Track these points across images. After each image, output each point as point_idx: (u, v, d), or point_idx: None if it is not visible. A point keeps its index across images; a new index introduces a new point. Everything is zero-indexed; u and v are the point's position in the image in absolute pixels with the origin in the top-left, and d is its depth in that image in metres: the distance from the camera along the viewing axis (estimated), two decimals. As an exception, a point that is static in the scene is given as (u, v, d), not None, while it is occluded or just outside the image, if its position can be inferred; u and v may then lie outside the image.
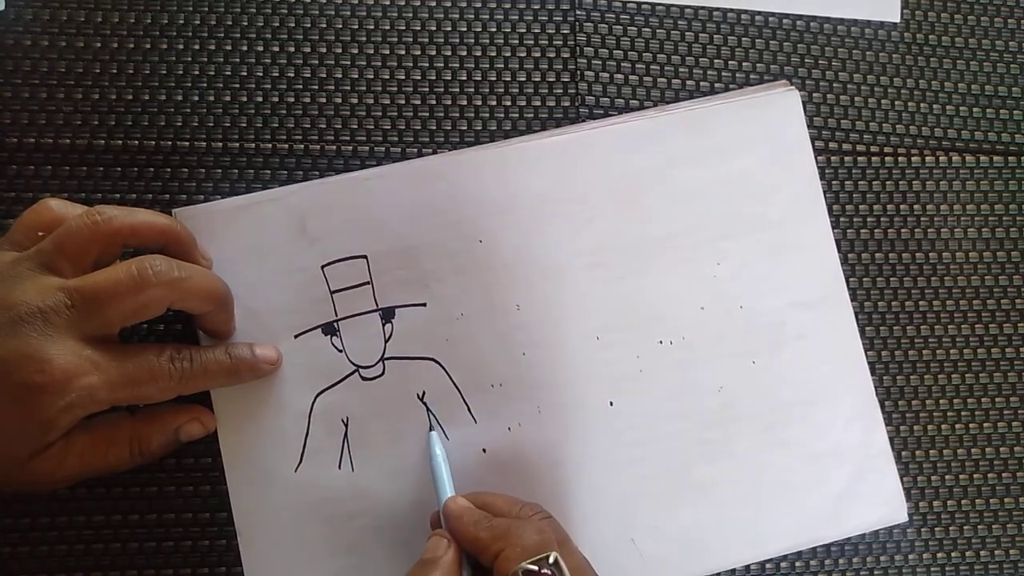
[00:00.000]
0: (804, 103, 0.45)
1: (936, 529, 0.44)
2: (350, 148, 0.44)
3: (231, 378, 0.39)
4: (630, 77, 0.45)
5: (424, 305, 0.42)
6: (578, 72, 0.45)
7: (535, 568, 0.33)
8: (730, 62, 0.46)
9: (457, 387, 0.41)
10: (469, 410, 0.41)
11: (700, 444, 0.42)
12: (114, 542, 0.40)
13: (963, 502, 0.44)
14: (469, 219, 0.42)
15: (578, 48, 0.45)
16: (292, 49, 0.44)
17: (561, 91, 0.45)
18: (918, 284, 0.46)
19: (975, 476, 0.45)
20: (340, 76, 0.44)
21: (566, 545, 0.36)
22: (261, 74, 0.44)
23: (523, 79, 0.45)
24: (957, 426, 0.45)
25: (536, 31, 0.45)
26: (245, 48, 0.44)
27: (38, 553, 0.40)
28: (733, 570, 0.42)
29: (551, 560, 0.34)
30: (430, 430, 0.41)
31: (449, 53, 0.45)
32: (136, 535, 0.40)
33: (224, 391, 0.40)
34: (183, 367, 0.36)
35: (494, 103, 0.45)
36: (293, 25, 0.44)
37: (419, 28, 0.45)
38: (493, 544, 0.35)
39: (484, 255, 0.42)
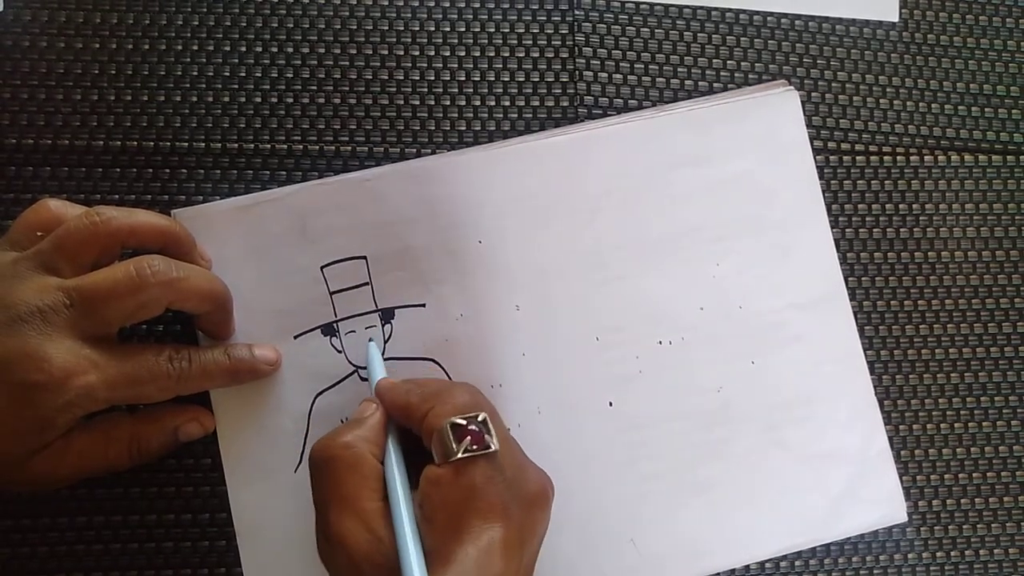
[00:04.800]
0: (803, 103, 0.45)
1: (935, 528, 0.44)
2: (349, 148, 0.44)
3: (230, 379, 0.39)
4: (628, 77, 0.45)
5: (423, 306, 0.42)
6: (576, 72, 0.45)
7: (463, 423, 0.33)
8: (728, 62, 0.46)
9: (456, 387, 0.41)
10: (468, 410, 0.41)
11: (700, 444, 0.42)
12: (114, 543, 0.40)
13: (962, 501, 0.44)
14: (468, 220, 0.42)
15: (576, 48, 0.45)
16: (291, 49, 0.44)
17: (560, 91, 0.45)
18: (917, 284, 0.46)
19: (974, 475, 0.45)
20: (339, 76, 0.44)
21: (496, 417, 0.35)
22: (260, 74, 0.44)
23: (522, 79, 0.45)
24: (956, 425, 0.45)
25: (535, 31, 0.45)
26: (244, 48, 0.44)
27: (38, 554, 0.40)
28: (733, 570, 0.42)
29: (480, 418, 0.34)
30: (369, 340, 0.41)
31: (448, 53, 0.45)
32: (136, 536, 0.40)
33: (223, 392, 0.40)
34: (182, 367, 0.36)
35: (493, 103, 0.45)
36: (292, 25, 0.44)
37: (418, 28, 0.45)
38: (423, 405, 0.35)
39: (483, 255, 0.42)
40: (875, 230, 0.46)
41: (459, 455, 0.33)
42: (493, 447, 0.33)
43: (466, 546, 0.31)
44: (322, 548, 0.34)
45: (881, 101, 0.47)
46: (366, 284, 0.41)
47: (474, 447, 0.33)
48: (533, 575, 0.35)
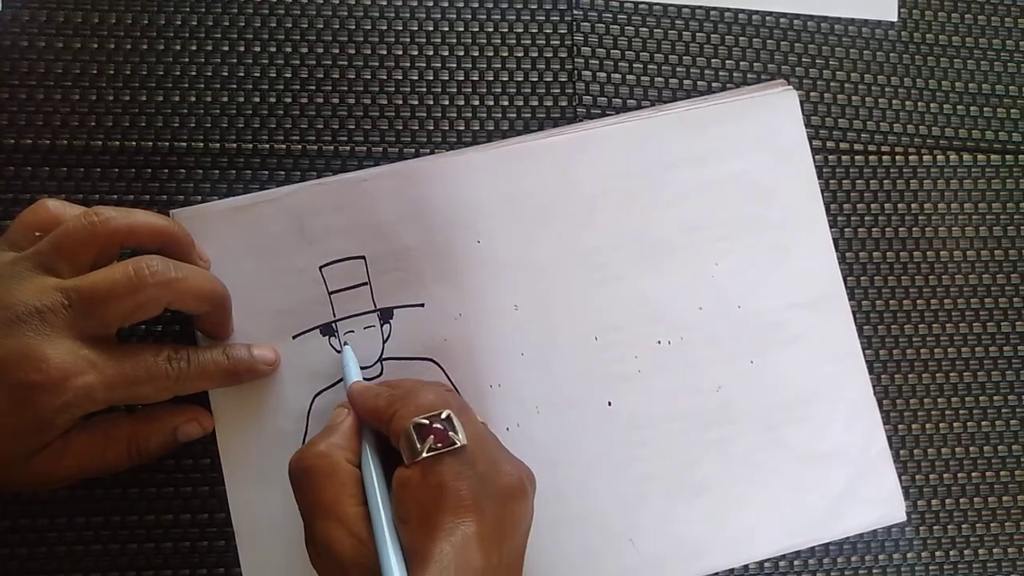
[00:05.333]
0: (801, 102, 0.45)
1: (935, 528, 0.44)
2: (348, 148, 0.44)
3: (229, 379, 0.39)
4: (627, 77, 0.45)
5: (422, 306, 0.42)
6: (575, 72, 0.45)
7: (426, 422, 0.33)
8: (727, 61, 0.46)
9: (455, 387, 0.41)
10: (467, 410, 0.41)
11: (699, 444, 0.42)
12: (113, 543, 0.40)
13: (961, 501, 0.44)
14: (467, 219, 0.42)
15: (575, 48, 0.45)
16: (290, 49, 0.44)
17: (558, 91, 0.45)
18: (916, 283, 0.46)
19: (973, 475, 0.45)
20: (339, 76, 0.44)
21: (467, 414, 0.36)
22: (259, 74, 0.44)
23: (520, 79, 0.45)
24: (955, 425, 0.45)
25: (533, 31, 0.45)
26: (243, 48, 0.44)
27: (37, 554, 0.40)
28: (732, 570, 0.42)
29: (443, 416, 0.34)
30: (345, 344, 0.41)
31: (446, 53, 0.45)
32: (135, 536, 0.40)
33: (222, 392, 0.40)
34: (180, 367, 0.36)
35: (491, 103, 0.45)
36: (292, 25, 0.44)
37: (416, 28, 0.45)
38: (389, 407, 0.35)
39: (482, 255, 0.42)
40: (874, 230, 0.46)
41: (424, 454, 0.33)
42: (459, 443, 0.33)
43: (441, 543, 0.31)
44: (312, 557, 0.34)
45: (880, 101, 0.47)
46: (365, 284, 0.41)
47: (439, 445, 0.33)
48: (522, 570, 0.35)
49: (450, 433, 0.33)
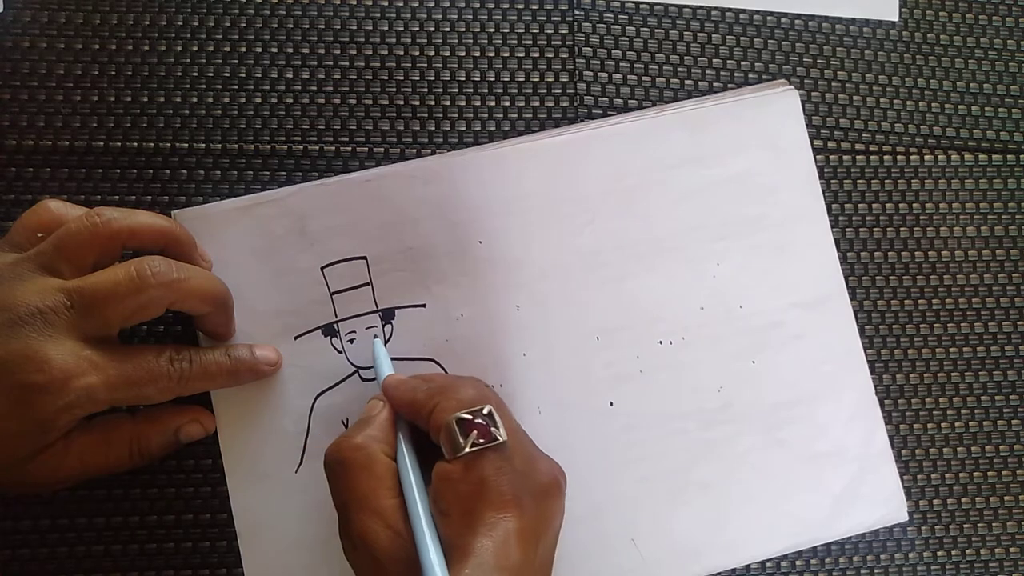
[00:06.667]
0: (803, 102, 0.45)
1: (936, 528, 0.44)
2: (349, 148, 0.44)
3: (231, 379, 0.39)
4: (628, 77, 0.45)
5: (424, 306, 0.42)
6: (576, 72, 0.45)
7: (469, 417, 0.34)
8: (728, 61, 0.46)
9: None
10: (469, 410, 0.41)
11: (700, 444, 0.42)
12: (115, 544, 0.40)
13: (963, 500, 0.45)
14: (468, 220, 0.42)
15: (576, 48, 0.45)
16: (291, 50, 0.44)
17: (560, 91, 0.45)
18: (917, 283, 0.46)
19: (975, 474, 0.45)
20: (339, 76, 0.44)
21: (503, 409, 0.36)
22: (260, 75, 0.44)
23: (522, 79, 0.45)
24: (957, 424, 0.45)
25: (535, 31, 0.45)
26: (244, 49, 0.44)
27: (39, 555, 0.40)
28: (733, 570, 0.42)
29: (485, 411, 0.34)
30: (375, 337, 0.41)
31: (448, 53, 0.45)
32: (137, 537, 0.40)
33: (224, 392, 0.40)
34: (182, 368, 0.36)
35: (493, 103, 0.45)
36: (292, 26, 0.44)
37: (418, 28, 0.45)
38: (429, 401, 0.35)
39: (484, 256, 0.42)
40: (875, 229, 0.46)
41: (467, 449, 0.33)
42: (500, 439, 0.33)
43: (482, 538, 0.31)
44: (347, 549, 0.34)
45: (881, 100, 0.47)
46: (366, 284, 0.41)
47: (481, 440, 0.33)
48: (552, 569, 0.35)
49: (492, 429, 0.34)
